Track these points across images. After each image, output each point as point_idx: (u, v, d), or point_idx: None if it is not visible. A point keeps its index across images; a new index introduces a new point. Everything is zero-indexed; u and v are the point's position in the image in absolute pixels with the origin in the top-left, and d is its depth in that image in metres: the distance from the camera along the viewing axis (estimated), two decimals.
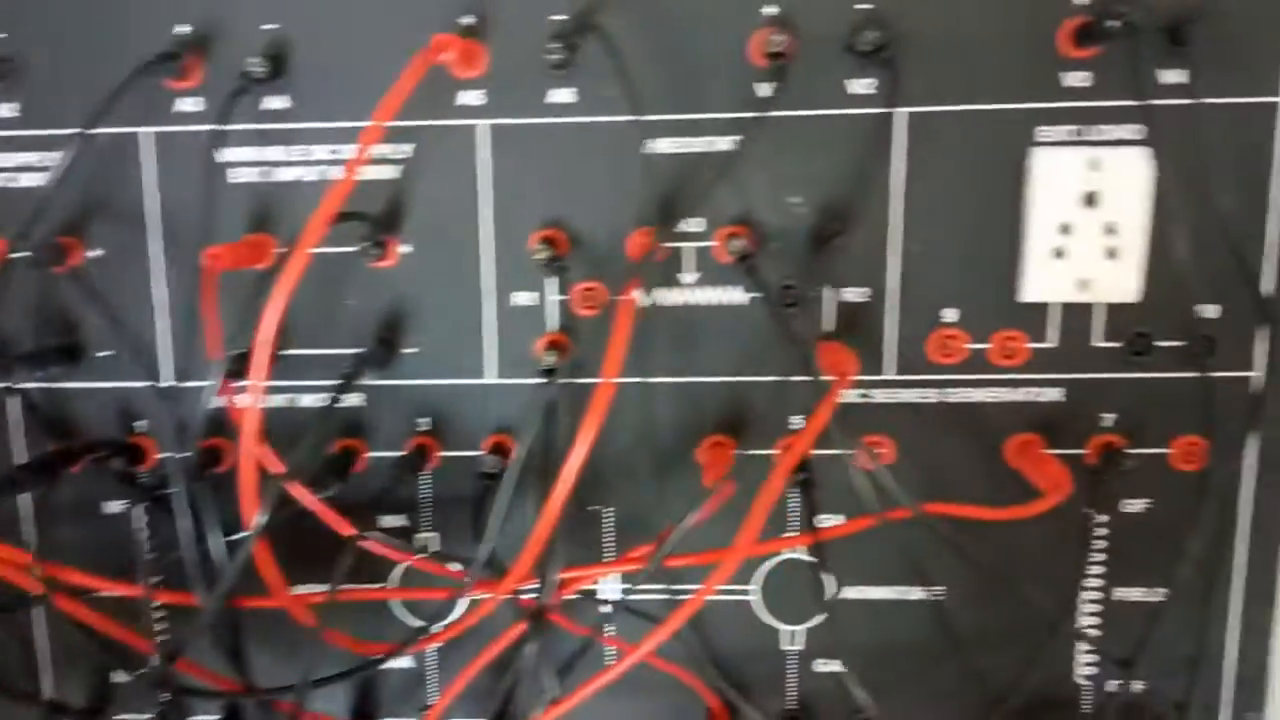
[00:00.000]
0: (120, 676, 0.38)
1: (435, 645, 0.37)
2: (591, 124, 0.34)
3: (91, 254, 0.35)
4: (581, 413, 0.30)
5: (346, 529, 0.32)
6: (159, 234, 0.35)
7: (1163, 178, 0.32)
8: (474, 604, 0.34)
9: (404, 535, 0.37)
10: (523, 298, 0.35)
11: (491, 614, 0.34)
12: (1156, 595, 0.36)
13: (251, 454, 0.30)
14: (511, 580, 0.31)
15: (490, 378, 0.36)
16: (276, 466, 0.31)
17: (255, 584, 0.33)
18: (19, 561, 0.32)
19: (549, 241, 0.34)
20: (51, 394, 0.36)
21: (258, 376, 0.30)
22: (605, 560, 0.36)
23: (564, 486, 0.30)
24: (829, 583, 0.36)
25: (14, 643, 0.37)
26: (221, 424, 0.35)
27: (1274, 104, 0.32)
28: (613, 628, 0.37)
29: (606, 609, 0.37)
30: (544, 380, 0.33)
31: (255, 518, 0.30)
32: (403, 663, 0.38)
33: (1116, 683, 0.36)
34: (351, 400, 0.36)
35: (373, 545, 0.33)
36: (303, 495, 0.31)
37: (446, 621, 0.35)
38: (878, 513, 0.32)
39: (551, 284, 0.35)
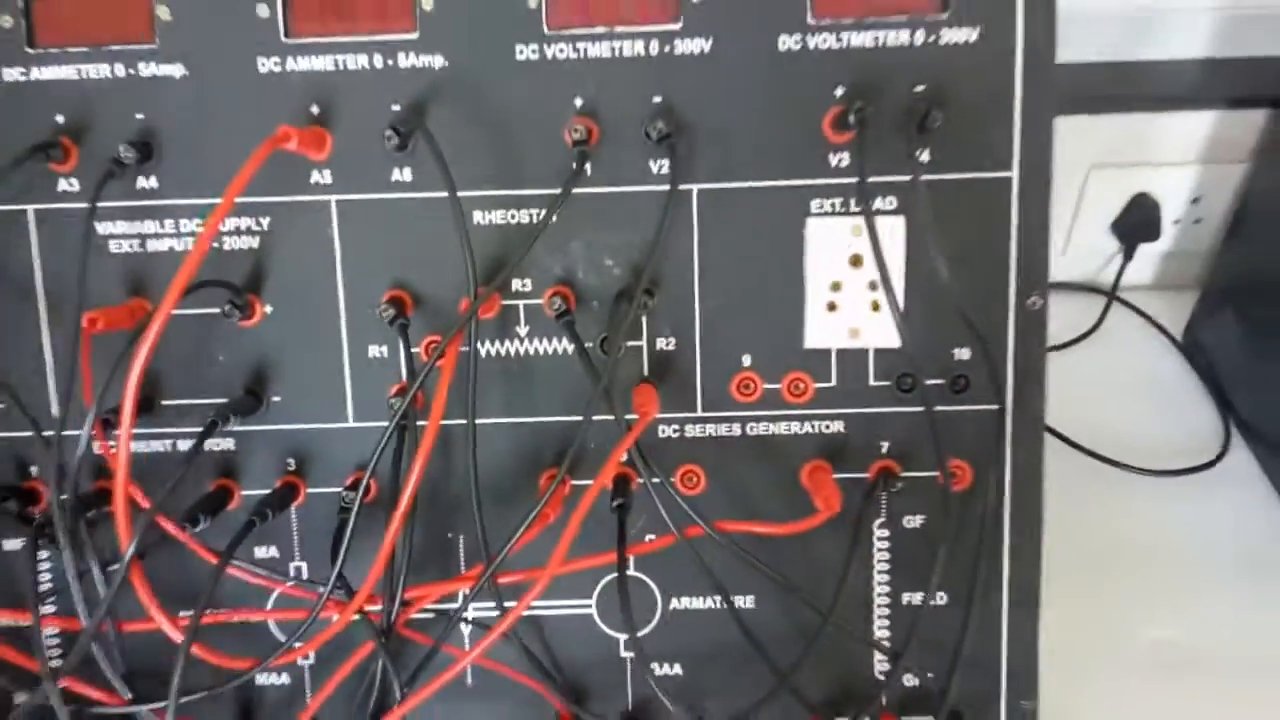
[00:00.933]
0: (20, 697, 0.42)
1: (307, 661, 0.42)
2: (428, 199, 0.38)
3: None
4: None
5: (211, 558, 0.36)
6: (43, 300, 0.39)
7: (913, 242, 0.37)
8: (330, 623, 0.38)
9: (278, 564, 0.41)
10: (375, 350, 0.40)
11: (348, 630, 0.38)
12: (940, 599, 0.41)
13: (123, 491, 0.34)
14: (359, 599, 0.36)
15: (350, 422, 0.40)
16: (145, 503, 0.36)
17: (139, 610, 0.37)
18: None
19: (395, 301, 0.38)
20: None
21: (126, 423, 0.34)
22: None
23: (399, 513, 0.34)
24: (657, 595, 0.41)
25: None
26: (104, 468, 0.39)
27: (1009, 178, 0.38)
28: (465, 641, 0.42)
29: (460, 624, 0.41)
30: (393, 424, 0.38)
31: (128, 547, 0.34)
32: (281, 679, 0.42)
33: (911, 678, 0.42)
34: (225, 445, 0.40)
35: (241, 572, 0.38)
36: (169, 527, 0.35)
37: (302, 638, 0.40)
38: (677, 531, 0.37)
39: (400, 338, 0.39)
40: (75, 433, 0.40)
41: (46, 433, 0.38)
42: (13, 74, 0.38)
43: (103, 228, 0.39)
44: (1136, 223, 0.77)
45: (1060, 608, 0.48)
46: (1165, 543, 0.61)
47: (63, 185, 0.39)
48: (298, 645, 0.37)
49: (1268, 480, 0.65)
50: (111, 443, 0.37)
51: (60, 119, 0.38)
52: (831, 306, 0.38)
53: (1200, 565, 0.60)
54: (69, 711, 0.37)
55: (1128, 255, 0.78)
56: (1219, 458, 0.67)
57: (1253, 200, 0.67)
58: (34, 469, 0.41)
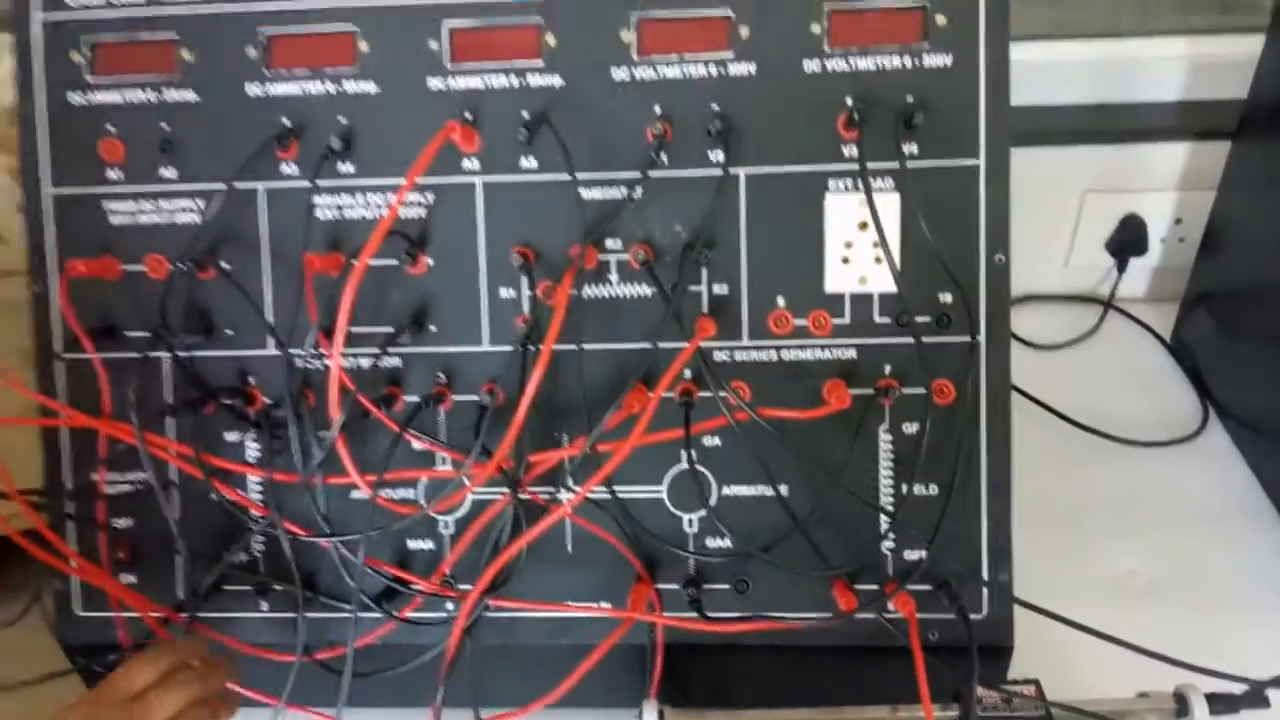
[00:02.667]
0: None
1: (448, 530, 0.55)
2: (547, 180, 0.53)
3: (226, 266, 0.54)
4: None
5: (393, 425, 0.50)
6: (267, 252, 0.54)
7: (905, 212, 0.51)
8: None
9: (425, 458, 0.54)
10: (505, 292, 0.53)
11: (478, 505, 0.51)
12: (931, 490, 0.53)
13: (337, 380, 0.48)
14: (500, 454, 0.49)
15: (486, 346, 0.54)
16: (350, 384, 0.50)
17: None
18: (185, 453, 0.51)
19: (521, 255, 0.52)
20: (193, 358, 0.55)
21: (340, 334, 0.48)
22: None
23: (526, 398, 0.47)
24: (713, 483, 0.54)
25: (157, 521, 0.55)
26: (306, 380, 0.53)
27: (977, 165, 0.51)
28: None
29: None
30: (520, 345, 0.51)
31: (338, 418, 0.48)
32: (427, 544, 0.55)
33: (911, 552, 0.53)
34: (394, 362, 0.54)
35: (418, 438, 0.51)
36: (366, 403, 0.49)
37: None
38: (731, 417, 0.49)
39: (524, 282, 0.53)
40: (283, 352, 0.54)
41: (266, 352, 0.53)
42: (255, 89, 0.54)
43: (312, 201, 0.54)
44: (1127, 240, 0.89)
45: (1048, 544, 0.59)
46: (1147, 498, 0.72)
47: (285, 169, 0.54)
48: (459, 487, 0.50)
49: (1239, 452, 0.76)
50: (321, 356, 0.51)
51: (286, 121, 0.53)
52: (845, 260, 0.51)
53: (1175, 516, 0.71)
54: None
55: (1121, 268, 0.90)
56: (1196, 433, 0.78)
57: (1219, 219, 0.79)
58: (251, 379, 0.55)
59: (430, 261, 0.54)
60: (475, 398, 0.53)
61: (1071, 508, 0.71)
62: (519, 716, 0.51)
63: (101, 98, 0.54)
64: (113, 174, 0.55)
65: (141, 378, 0.52)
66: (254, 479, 0.55)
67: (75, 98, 0.55)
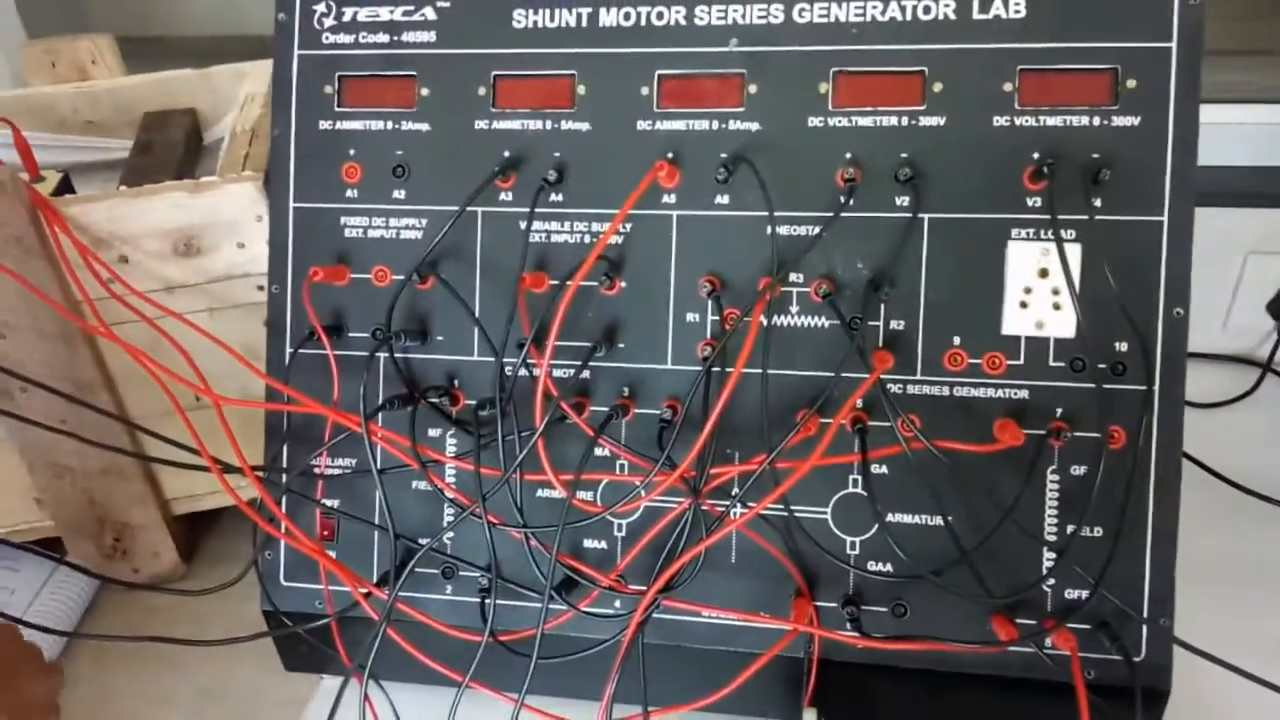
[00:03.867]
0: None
1: (620, 533, 0.59)
2: (737, 215, 0.57)
3: (444, 278, 0.60)
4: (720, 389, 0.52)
5: (589, 430, 0.55)
6: (479, 270, 0.60)
7: (1087, 263, 0.53)
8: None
9: (608, 462, 0.59)
10: (691, 316, 0.58)
11: (649, 512, 0.55)
12: (1096, 532, 0.54)
13: (542, 386, 0.53)
14: (683, 467, 0.53)
15: (668, 365, 0.58)
16: (553, 391, 0.55)
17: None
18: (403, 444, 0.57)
19: (709, 283, 0.57)
20: (408, 360, 0.61)
21: (550, 345, 0.53)
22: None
23: (715, 414, 0.51)
24: (878, 509, 0.56)
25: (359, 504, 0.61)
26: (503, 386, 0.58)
27: (1160, 221, 0.53)
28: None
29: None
30: (705, 368, 0.55)
31: (542, 419, 0.53)
32: (600, 544, 0.60)
33: (1072, 591, 0.55)
34: (585, 374, 0.59)
35: (610, 445, 0.56)
36: (567, 409, 0.54)
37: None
38: (905, 445, 0.52)
39: (709, 308, 0.57)
40: (487, 359, 0.60)
41: (472, 357, 0.59)
42: (481, 123, 0.60)
43: (522, 225, 0.59)
44: None
45: (1203, 603, 0.59)
46: None
47: (503, 196, 0.60)
48: (641, 492, 0.55)
49: None
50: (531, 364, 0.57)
51: (507, 154, 0.60)
52: (1023, 305, 0.54)
53: None
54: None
55: None
56: None
57: None
58: (456, 381, 0.61)
59: (624, 284, 0.58)
60: (655, 411, 0.58)
61: (1227, 568, 0.71)
62: (681, 711, 0.55)
63: (346, 125, 0.62)
64: (350, 193, 0.62)
65: (364, 374, 0.59)
66: (451, 470, 0.60)
67: (323, 124, 0.62)
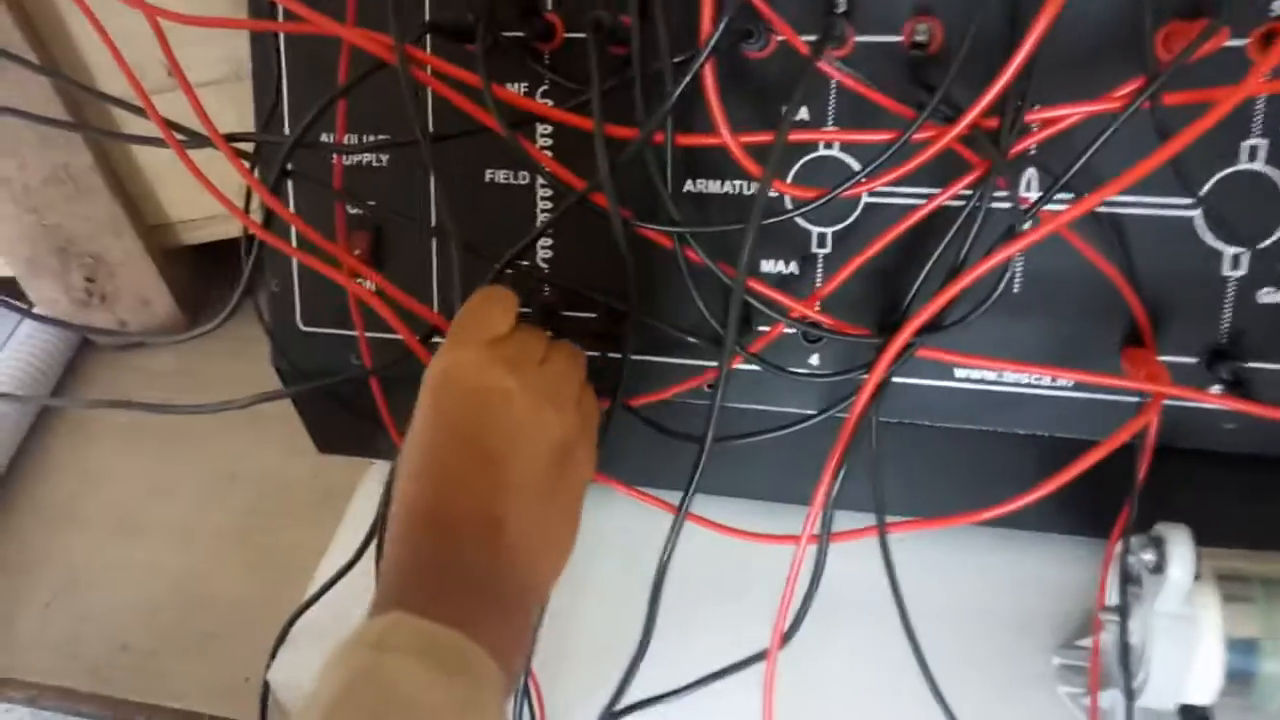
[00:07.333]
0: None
1: (824, 249, 0.36)
2: None
3: None
4: None
5: (803, 48, 0.31)
6: None
7: None
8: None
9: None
10: None
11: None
12: None
13: None
14: (973, 111, 0.29)
15: None
16: None
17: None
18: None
19: None
20: None
21: None
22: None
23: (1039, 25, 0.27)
24: None
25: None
26: None
27: None
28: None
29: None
30: None
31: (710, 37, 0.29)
32: (784, 267, 0.37)
33: None
34: None
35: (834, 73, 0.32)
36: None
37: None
38: None
39: None
40: None
41: None
42: None
43: None
44: None
45: None
46: None
47: None
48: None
49: None
50: None
51: None
52: None
53: None
54: None
55: None
56: None
57: None
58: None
59: None
60: (893, 39, 0.33)
61: None
62: (937, 527, 0.34)
63: None
64: None
65: None
66: (546, 132, 0.37)
67: None
